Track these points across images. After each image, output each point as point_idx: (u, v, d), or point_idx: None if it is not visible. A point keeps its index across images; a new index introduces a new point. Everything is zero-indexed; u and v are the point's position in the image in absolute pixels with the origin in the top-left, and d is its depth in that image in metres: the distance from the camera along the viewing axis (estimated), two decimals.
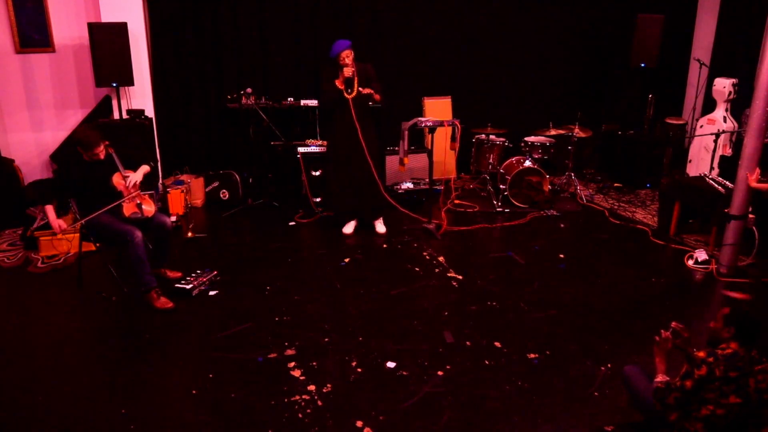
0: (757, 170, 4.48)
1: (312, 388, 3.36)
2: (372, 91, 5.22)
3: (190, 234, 5.57)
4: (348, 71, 5.10)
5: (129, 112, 6.09)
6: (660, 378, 2.74)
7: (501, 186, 6.39)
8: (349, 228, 5.66)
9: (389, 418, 3.11)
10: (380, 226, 5.67)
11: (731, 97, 6.71)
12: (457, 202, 6.51)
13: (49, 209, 4.20)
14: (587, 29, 7.57)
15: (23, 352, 3.73)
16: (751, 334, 2.59)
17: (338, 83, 5.18)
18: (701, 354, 2.58)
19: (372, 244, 5.42)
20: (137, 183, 4.34)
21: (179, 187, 6.08)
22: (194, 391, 3.33)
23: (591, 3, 7.49)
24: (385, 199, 5.54)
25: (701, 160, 6.71)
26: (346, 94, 5.18)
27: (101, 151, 4.22)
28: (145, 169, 4.44)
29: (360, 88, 5.18)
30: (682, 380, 2.60)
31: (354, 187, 5.42)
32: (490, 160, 6.66)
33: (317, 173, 6.25)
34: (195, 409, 3.20)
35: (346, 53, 5.10)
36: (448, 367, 3.55)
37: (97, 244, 4.66)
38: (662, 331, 2.85)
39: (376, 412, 3.15)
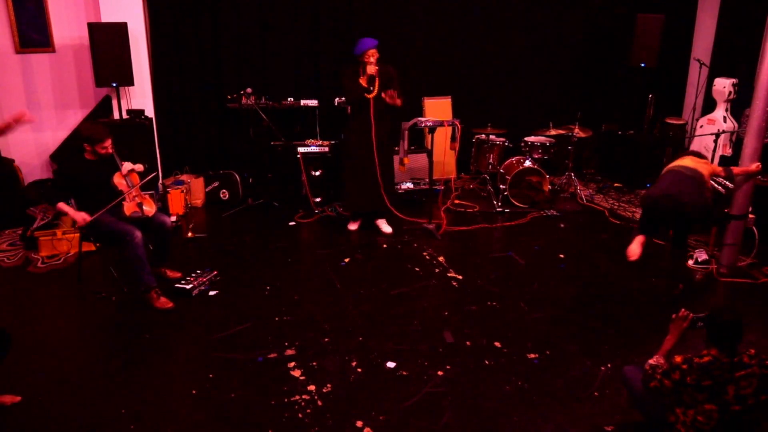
0: (758, 163, 4.51)
1: (312, 388, 3.36)
2: (394, 93, 5.22)
3: (190, 234, 5.57)
4: (371, 68, 5.12)
5: (129, 112, 6.09)
6: (653, 361, 2.75)
7: (501, 186, 6.39)
8: (353, 225, 5.71)
9: (389, 418, 3.11)
10: (385, 226, 5.67)
11: (731, 97, 6.71)
12: (457, 202, 6.51)
13: (63, 206, 4.17)
14: (587, 29, 7.57)
15: (23, 352, 3.73)
16: (722, 338, 2.51)
17: (362, 81, 5.19)
18: (678, 359, 2.57)
19: (372, 244, 5.42)
20: (134, 174, 4.37)
21: (179, 187, 6.08)
22: (194, 391, 3.33)
23: (591, 3, 7.49)
24: (384, 203, 5.54)
25: None
26: (366, 94, 5.21)
27: (110, 145, 4.24)
28: (138, 166, 4.47)
29: (383, 94, 5.20)
30: (662, 376, 2.60)
31: (367, 187, 5.44)
32: (490, 160, 6.66)
33: (317, 173, 6.25)
34: (195, 409, 3.20)
35: (372, 52, 5.12)
36: (448, 367, 3.55)
37: (97, 244, 4.66)
38: (683, 309, 2.82)
39: (376, 412, 3.15)
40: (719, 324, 2.53)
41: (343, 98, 6.41)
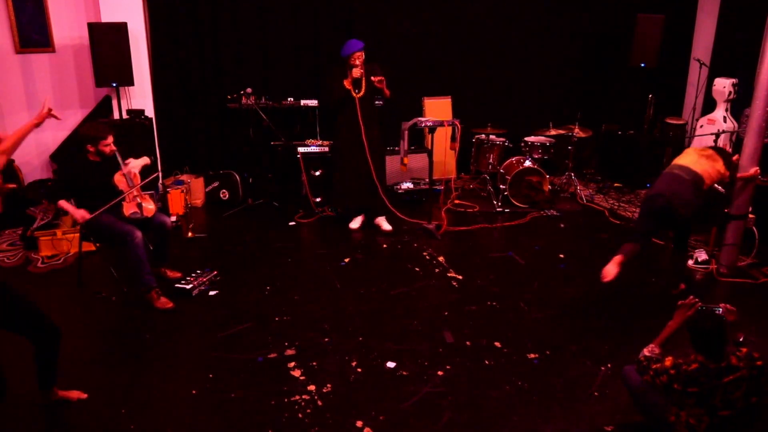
0: (756, 168, 4.49)
1: (312, 388, 3.36)
2: (383, 79, 5.28)
3: (190, 234, 5.57)
4: (357, 72, 5.19)
5: (129, 112, 6.09)
6: (648, 351, 2.74)
7: (501, 186, 6.39)
8: (355, 223, 5.72)
9: (389, 418, 3.11)
10: (385, 224, 5.68)
11: (731, 97, 6.71)
12: (457, 202, 6.51)
13: (63, 203, 4.15)
14: (587, 29, 7.57)
15: (22, 351, 3.72)
16: (706, 346, 2.49)
17: (346, 83, 5.25)
18: (668, 362, 2.56)
19: (372, 243, 5.42)
20: (137, 173, 4.34)
21: (179, 187, 6.08)
22: (194, 391, 3.33)
23: (591, 3, 7.49)
24: (383, 202, 5.55)
25: None
26: (354, 93, 5.25)
27: (112, 142, 4.23)
28: (145, 160, 4.46)
29: (372, 77, 5.24)
30: (654, 373, 2.61)
31: (357, 186, 5.47)
32: (490, 160, 6.65)
33: (317, 173, 6.25)
34: (195, 409, 3.20)
35: (358, 54, 5.19)
36: (448, 367, 3.55)
37: (97, 244, 4.66)
38: (691, 296, 2.82)
39: (376, 412, 3.15)
40: (701, 332, 2.50)
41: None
